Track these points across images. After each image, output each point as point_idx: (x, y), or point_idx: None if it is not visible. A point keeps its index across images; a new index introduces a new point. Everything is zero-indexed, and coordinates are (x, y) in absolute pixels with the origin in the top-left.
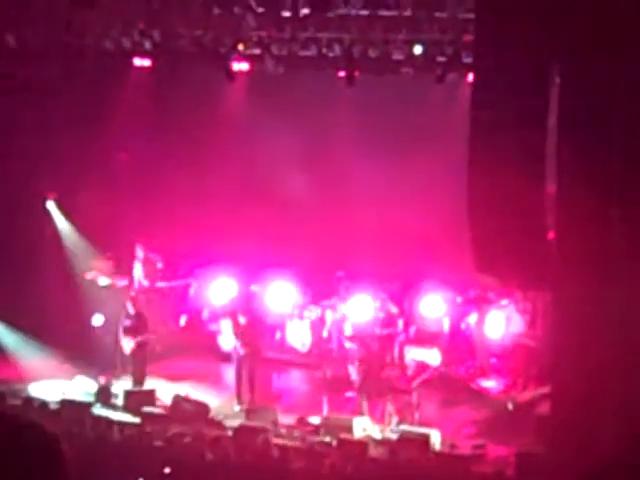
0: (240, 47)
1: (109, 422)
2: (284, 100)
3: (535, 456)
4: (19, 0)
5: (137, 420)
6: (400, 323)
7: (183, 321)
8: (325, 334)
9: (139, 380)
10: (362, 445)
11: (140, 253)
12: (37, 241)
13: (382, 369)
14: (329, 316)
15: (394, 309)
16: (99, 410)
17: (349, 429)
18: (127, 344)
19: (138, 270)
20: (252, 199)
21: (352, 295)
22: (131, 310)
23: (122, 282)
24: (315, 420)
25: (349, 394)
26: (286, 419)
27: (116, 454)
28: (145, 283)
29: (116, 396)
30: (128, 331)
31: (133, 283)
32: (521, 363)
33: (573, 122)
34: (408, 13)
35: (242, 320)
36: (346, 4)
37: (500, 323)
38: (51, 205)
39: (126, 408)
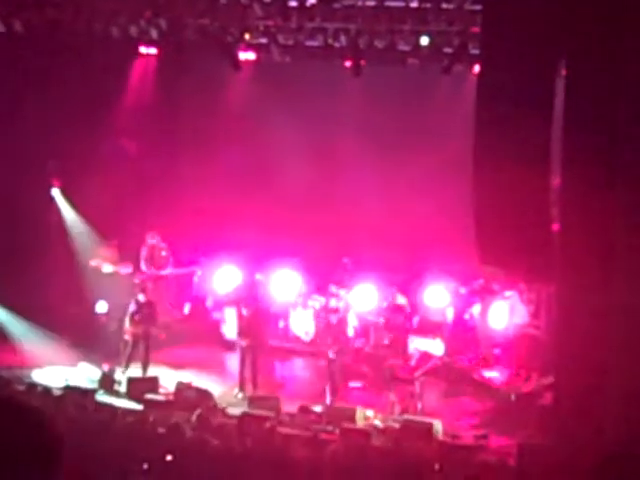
0: (246, 36)
1: (112, 409)
2: (290, 90)
3: (537, 446)
4: None
5: (140, 407)
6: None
7: (187, 309)
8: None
9: (143, 367)
10: (365, 434)
11: (151, 240)
12: (42, 228)
13: (385, 358)
14: (333, 305)
15: (403, 300)
16: (102, 397)
17: (352, 418)
18: (132, 331)
19: (144, 257)
20: (257, 188)
21: (356, 284)
22: (141, 298)
23: (126, 269)
24: (318, 409)
25: (352, 383)
26: (289, 407)
27: (119, 441)
28: (150, 270)
29: (119, 383)
30: (134, 318)
31: (137, 270)
32: (524, 354)
33: (578, 115)
34: (415, 4)
35: (246, 312)
36: None
37: (504, 314)
38: (56, 192)
39: (129, 395)
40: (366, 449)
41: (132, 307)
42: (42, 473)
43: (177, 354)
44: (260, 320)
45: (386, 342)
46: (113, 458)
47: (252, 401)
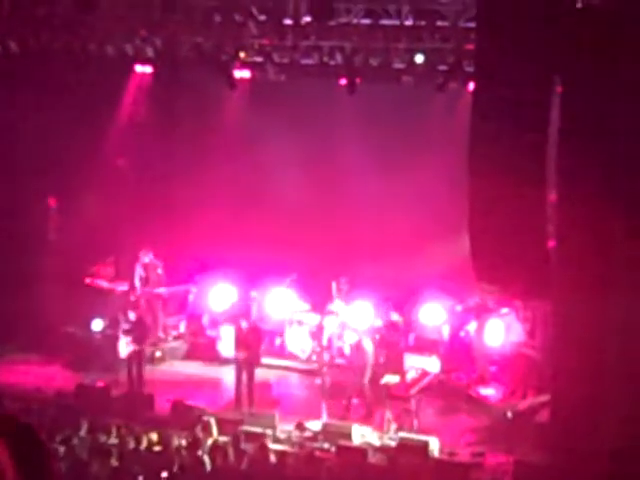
0: (241, 55)
1: (107, 426)
2: (285, 108)
3: (533, 464)
4: (22, 5)
5: (136, 424)
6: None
7: (183, 327)
8: (324, 341)
9: (137, 385)
10: (361, 452)
11: (145, 258)
12: (38, 245)
13: (381, 376)
14: (328, 322)
15: (397, 317)
16: (98, 415)
17: (348, 436)
18: (125, 349)
19: (139, 275)
20: (252, 205)
21: (353, 301)
22: (132, 316)
23: (122, 287)
24: (314, 426)
25: (348, 401)
26: (285, 425)
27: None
28: (146, 288)
29: (115, 400)
30: (127, 336)
31: (133, 288)
32: (520, 372)
33: (574, 131)
34: (409, 22)
35: (244, 325)
36: (348, 13)
37: (500, 331)
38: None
39: (125, 412)
40: (362, 466)
41: (125, 325)
42: None
43: (172, 372)
44: (256, 335)
45: (382, 360)
46: (108, 475)
47: (248, 418)
